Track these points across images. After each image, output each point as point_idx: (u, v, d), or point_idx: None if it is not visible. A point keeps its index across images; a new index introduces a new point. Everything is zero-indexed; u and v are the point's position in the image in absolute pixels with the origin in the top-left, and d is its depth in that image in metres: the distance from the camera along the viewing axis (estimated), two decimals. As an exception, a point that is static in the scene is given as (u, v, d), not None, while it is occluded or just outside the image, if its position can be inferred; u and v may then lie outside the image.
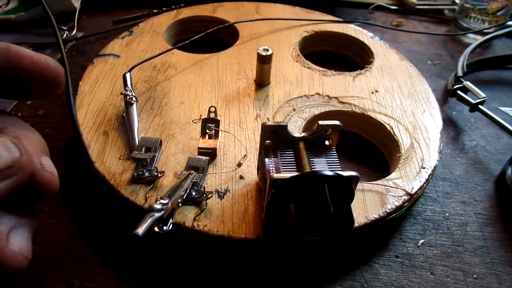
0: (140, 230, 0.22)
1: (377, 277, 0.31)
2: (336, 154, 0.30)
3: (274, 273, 0.31)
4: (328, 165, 0.29)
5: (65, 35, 0.55)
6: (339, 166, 0.29)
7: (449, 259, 0.33)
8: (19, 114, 0.43)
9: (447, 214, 0.36)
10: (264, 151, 0.29)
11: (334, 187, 0.24)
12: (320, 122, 0.29)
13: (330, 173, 0.24)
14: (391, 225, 0.35)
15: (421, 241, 0.34)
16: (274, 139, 0.29)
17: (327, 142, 0.30)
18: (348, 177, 0.25)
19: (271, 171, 0.28)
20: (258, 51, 0.40)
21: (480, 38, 0.56)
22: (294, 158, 0.29)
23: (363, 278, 0.31)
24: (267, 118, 0.39)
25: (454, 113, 0.48)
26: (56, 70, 0.22)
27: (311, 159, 0.29)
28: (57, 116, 0.43)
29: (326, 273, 0.31)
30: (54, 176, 0.22)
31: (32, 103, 0.44)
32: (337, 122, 0.29)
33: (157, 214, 0.24)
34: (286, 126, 0.29)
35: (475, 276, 0.32)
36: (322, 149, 0.30)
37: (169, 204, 0.25)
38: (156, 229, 0.25)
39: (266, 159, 0.29)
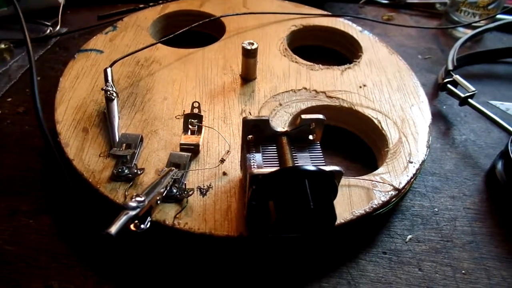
0: (113, 229, 0.21)
1: (364, 273, 0.31)
2: (320, 149, 0.29)
3: (258, 271, 0.30)
4: (312, 160, 0.28)
5: (48, 31, 0.54)
6: (323, 161, 0.28)
7: (438, 255, 0.32)
8: (0, 112, 0.42)
9: (436, 209, 0.36)
10: (246, 146, 0.29)
11: (315, 182, 0.24)
12: (303, 116, 0.28)
13: (312, 168, 0.24)
14: (378, 220, 0.34)
15: (409, 236, 0.33)
16: (256, 134, 0.29)
17: (311, 137, 0.29)
18: (331, 172, 0.25)
19: (252, 166, 0.27)
20: (243, 44, 0.39)
21: (471, 32, 0.55)
22: (277, 153, 0.28)
23: (349, 275, 0.30)
24: (249, 113, 0.38)
25: (444, 107, 0.47)
26: None
27: (294, 154, 0.28)
28: (38, 113, 0.42)
29: (311, 271, 0.30)
30: None
31: (12, 100, 0.43)
32: (320, 116, 0.28)
33: (131, 212, 0.23)
34: (268, 120, 0.28)
35: (463, 271, 0.31)
36: (306, 144, 0.29)
37: (146, 202, 0.24)
38: (132, 227, 0.24)
39: (248, 155, 0.28)
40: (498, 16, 0.59)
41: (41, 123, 0.28)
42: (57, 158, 0.30)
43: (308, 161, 0.28)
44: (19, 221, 0.32)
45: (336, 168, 0.25)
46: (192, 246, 0.31)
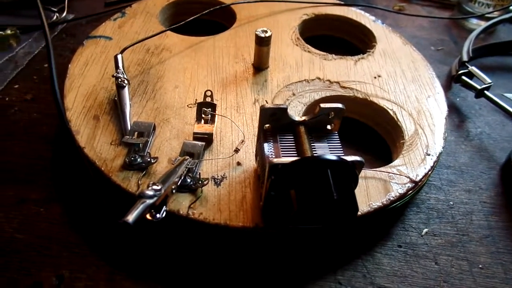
0: (131, 218, 0.21)
1: (380, 267, 0.30)
2: (338, 139, 0.28)
3: (273, 263, 0.29)
4: (330, 150, 0.27)
5: (55, 17, 0.53)
6: (342, 151, 0.27)
7: (454, 249, 0.32)
8: (7, 99, 0.41)
9: (451, 203, 0.35)
10: (263, 135, 0.28)
11: (337, 172, 0.23)
12: (322, 105, 0.28)
13: (334, 158, 0.23)
14: (394, 213, 0.33)
15: (425, 230, 0.33)
16: (273, 123, 0.28)
17: (328, 127, 0.29)
18: (352, 162, 0.24)
19: (270, 156, 0.26)
20: (256, 32, 0.38)
21: (484, 23, 0.54)
22: (294, 142, 0.27)
23: (365, 268, 0.30)
24: (266, 101, 0.37)
25: (457, 99, 0.46)
26: None
27: (312, 144, 0.27)
28: (45, 101, 0.41)
29: (327, 263, 0.30)
30: None
31: (20, 87, 0.43)
32: (340, 105, 0.28)
33: (149, 201, 0.22)
34: (286, 109, 0.27)
35: (480, 266, 0.31)
36: (323, 133, 0.28)
37: (162, 191, 0.24)
38: (148, 216, 0.23)
39: (265, 144, 0.27)
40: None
41: (60, 110, 0.28)
42: (75, 142, 0.29)
43: (326, 151, 0.27)
44: (29, 209, 0.32)
45: (357, 158, 0.24)
46: (207, 236, 0.30)
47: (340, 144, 0.28)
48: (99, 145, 0.32)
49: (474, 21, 0.59)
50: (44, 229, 0.30)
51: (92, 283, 0.28)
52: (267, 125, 0.28)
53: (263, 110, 0.27)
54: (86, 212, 0.32)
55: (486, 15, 0.57)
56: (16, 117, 0.39)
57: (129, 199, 0.29)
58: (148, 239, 0.30)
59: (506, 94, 0.47)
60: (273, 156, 0.26)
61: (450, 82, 0.48)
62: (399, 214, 0.34)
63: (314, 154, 0.26)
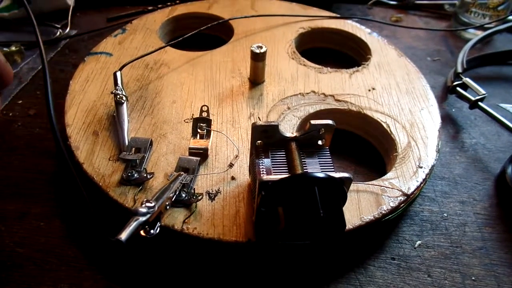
0: (123, 236, 0.21)
1: (373, 279, 0.30)
2: (329, 154, 0.29)
3: (266, 277, 0.30)
4: (321, 166, 0.28)
5: (58, 33, 0.54)
6: (332, 167, 0.28)
7: (447, 261, 0.32)
8: (10, 114, 0.42)
9: (445, 214, 0.35)
10: (255, 151, 0.29)
11: (325, 189, 0.23)
12: (313, 122, 0.28)
13: (321, 175, 0.24)
14: (387, 226, 0.34)
15: (418, 242, 0.33)
16: (266, 139, 0.29)
17: (320, 142, 0.29)
18: (340, 178, 0.24)
19: (261, 172, 0.27)
20: (251, 48, 0.39)
21: (481, 34, 0.55)
22: (286, 158, 0.28)
23: (357, 281, 0.30)
24: (259, 118, 0.38)
25: (453, 110, 0.47)
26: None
27: (303, 160, 0.28)
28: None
29: (319, 277, 0.30)
30: (6, 63, 0.23)
31: (23, 103, 0.44)
32: (330, 122, 0.28)
33: (142, 218, 0.23)
34: (277, 126, 0.28)
35: (473, 278, 0.31)
36: (315, 149, 0.29)
37: (156, 207, 0.24)
38: (142, 233, 0.24)
39: (257, 160, 0.28)
40: (510, 17, 0.58)
41: (54, 128, 0.29)
42: (68, 162, 0.30)
43: (317, 167, 0.27)
44: (30, 223, 0.33)
45: (346, 174, 0.25)
46: (201, 251, 0.31)
47: (331, 160, 0.28)
48: (97, 161, 0.33)
49: (471, 31, 0.59)
50: (44, 243, 0.31)
51: (90, 297, 0.28)
52: (259, 142, 0.29)
53: (254, 127, 0.28)
54: (85, 226, 0.32)
55: (483, 26, 0.57)
56: (19, 132, 0.40)
57: (126, 214, 0.30)
58: (144, 253, 0.31)
59: (502, 105, 0.48)
60: (264, 173, 0.27)
61: (446, 93, 0.48)
62: (393, 226, 0.34)
63: (305, 170, 0.27)
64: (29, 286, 0.29)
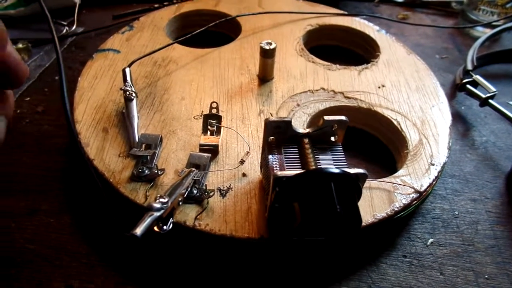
0: (139, 231, 0.21)
1: (385, 277, 0.30)
2: (342, 151, 0.29)
3: (278, 274, 0.30)
4: (334, 162, 0.27)
5: (64, 30, 0.54)
6: (346, 163, 0.28)
7: (459, 259, 0.32)
8: (18, 111, 0.42)
9: (456, 212, 0.35)
10: (268, 147, 0.28)
11: (340, 185, 0.23)
12: (326, 118, 0.28)
13: (337, 171, 0.23)
14: (399, 223, 0.34)
15: (430, 240, 0.33)
16: (278, 135, 0.28)
17: (332, 138, 0.29)
18: (356, 174, 0.24)
19: (274, 168, 0.27)
20: (261, 44, 0.39)
21: (489, 31, 0.54)
22: (299, 154, 0.28)
23: (370, 278, 0.30)
24: (271, 114, 0.38)
25: (462, 108, 0.46)
26: (14, 62, 0.22)
27: (316, 156, 0.28)
28: (56, 113, 0.42)
29: (331, 274, 0.30)
30: (22, 61, 0.23)
31: (31, 99, 0.44)
32: (343, 118, 0.28)
33: (156, 214, 0.23)
34: (290, 122, 0.28)
35: (486, 276, 0.31)
36: (327, 145, 0.29)
37: (169, 203, 0.24)
38: (155, 228, 0.24)
39: (270, 156, 0.28)
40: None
41: (69, 122, 0.29)
42: (83, 156, 0.30)
43: (330, 163, 0.27)
44: (40, 220, 0.32)
45: (361, 170, 0.25)
46: (212, 247, 0.31)
47: (344, 156, 0.28)
48: (107, 157, 0.33)
49: (479, 28, 0.59)
50: (55, 240, 0.31)
51: (101, 293, 0.28)
52: (271, 137, 0.28)
53: (267, 123, 0.27)
54: (95, 222, 0.32)
55: (491, 23, 0.57)
56: (28, 129, 0.40)
57: (136, 210, 0.30)
58: (156, 250, 0.30)
59: (511, 102, 0.47)
60: (278, 169, 0.27)
61: (455, 90, 0.48)
62: (404, 224, 0.34)
63: (318, 166, 0.27)
64: (40, 282, 0.29)
